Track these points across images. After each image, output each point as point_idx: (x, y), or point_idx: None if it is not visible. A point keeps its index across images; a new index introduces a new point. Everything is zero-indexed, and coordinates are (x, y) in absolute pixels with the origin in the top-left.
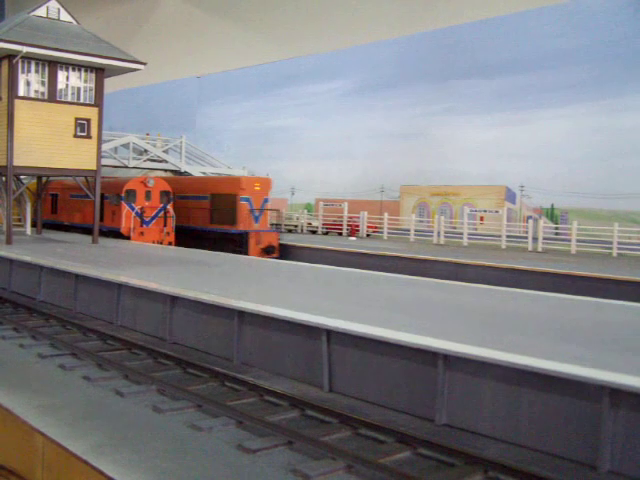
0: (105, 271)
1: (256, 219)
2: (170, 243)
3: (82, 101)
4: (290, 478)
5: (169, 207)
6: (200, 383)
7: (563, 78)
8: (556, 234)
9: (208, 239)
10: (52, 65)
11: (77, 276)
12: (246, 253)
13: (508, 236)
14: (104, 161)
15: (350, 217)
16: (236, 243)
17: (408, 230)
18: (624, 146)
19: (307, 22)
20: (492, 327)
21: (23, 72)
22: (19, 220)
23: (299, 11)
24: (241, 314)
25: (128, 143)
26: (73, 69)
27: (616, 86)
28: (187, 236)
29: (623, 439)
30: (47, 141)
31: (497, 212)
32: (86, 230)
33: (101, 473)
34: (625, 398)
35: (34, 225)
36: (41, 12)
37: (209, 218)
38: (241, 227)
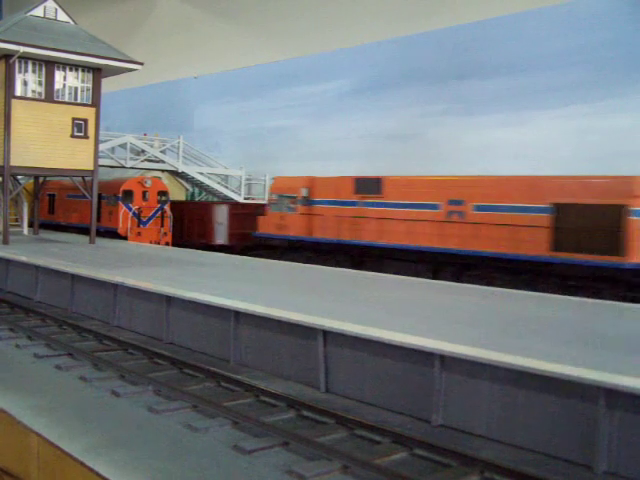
0: (101, 271)
1: None
2: (167, 243)
3: (79, 101)
4: (286, 479)
5: (166, 207)
6: (196, 383)
7: (561, 79)
8: None
9: (546, 276)
10: (49, 65)
11: (73, 276)
12: None
13: None
14: (101, 161)
15: None
16: (624, 285)
17: None
18: (621, 147)
19: (305, 22)
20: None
21: (20, 72)
22: (16, 220)
23: (297, 11)
24: (237, 314)
25: (125, 143)
26: (70, 69)
27: (613, 87)
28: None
29: (619, 440)
30: (44, 141)
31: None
32: (83, 230)
33: (96, 474)
34: (621, 399)
35: (31, 225)
36: (38, 12)
37: (549, 243)
38: (635, 259)
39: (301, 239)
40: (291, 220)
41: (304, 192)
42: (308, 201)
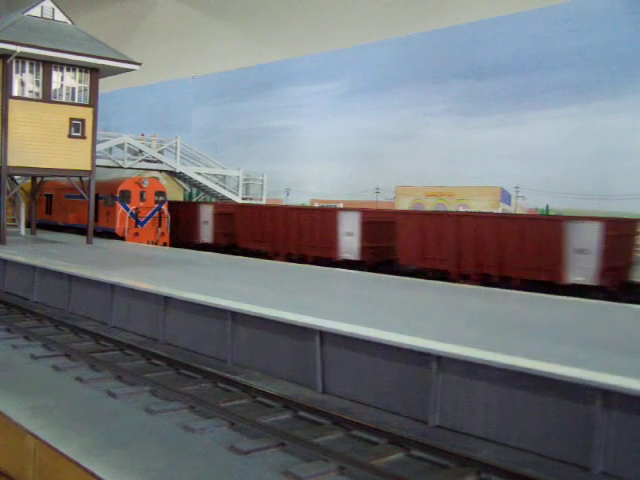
0: (98, 271)
1: None
2: (165, 244)
3: (76, 101)
4: None
5: (164, 208)
6: (193, 384)
7: (559, 79)
8: None
9: None
10: (46, 65)
11: (70, 277)
12: None
13: None
14: (99, 161)
15: None
16: None
17: None
18: (619, 147)
19: (303, 23)
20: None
21: (17, 72)
22: (13, 220)
23: (295, 11)
24: (234, 315)
25: (123, 143)
26: (67, 69)
27: (611, 87)
28: None
29: (616, 440)
30: (41, 141)
31: (492, 213)
32: (80, 230)
33: (93, 475)
34: (618, 400)
35: (28, 225)
36: (35, 12)
37: None
38: None
39: None
40: None
41: None
42: None
